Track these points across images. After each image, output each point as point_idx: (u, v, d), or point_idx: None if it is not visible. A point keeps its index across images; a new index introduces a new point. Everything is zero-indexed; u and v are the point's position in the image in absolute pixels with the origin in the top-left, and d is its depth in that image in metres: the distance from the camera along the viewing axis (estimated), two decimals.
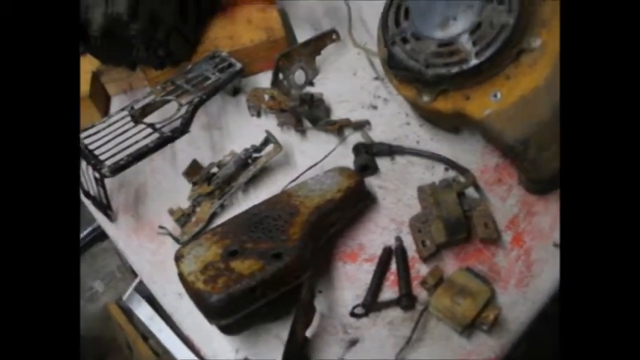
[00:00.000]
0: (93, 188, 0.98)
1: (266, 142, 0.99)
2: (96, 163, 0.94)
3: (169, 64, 1.11)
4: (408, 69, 0.91)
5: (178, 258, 0.84)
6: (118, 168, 0.93)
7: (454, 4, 0.88)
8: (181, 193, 1.00)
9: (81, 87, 1.13)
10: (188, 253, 0.84)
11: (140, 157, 0.94)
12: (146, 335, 1.49)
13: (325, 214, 0.88)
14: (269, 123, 1.06)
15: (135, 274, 1.54)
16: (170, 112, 1.01)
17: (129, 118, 1.01)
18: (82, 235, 1.54)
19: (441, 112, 0.92)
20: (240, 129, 1.08)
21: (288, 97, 1.04)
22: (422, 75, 0.89)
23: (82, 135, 0.98)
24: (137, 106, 1.03)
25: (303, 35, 1.18)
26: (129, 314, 1.51)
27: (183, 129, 0.97)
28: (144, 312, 1.36)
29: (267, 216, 0.88)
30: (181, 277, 0.82)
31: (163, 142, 0.96)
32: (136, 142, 0.95)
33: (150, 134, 0.97)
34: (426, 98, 0.92)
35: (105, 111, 1.17)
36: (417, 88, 0.93)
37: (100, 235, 1.54)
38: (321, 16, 1.21)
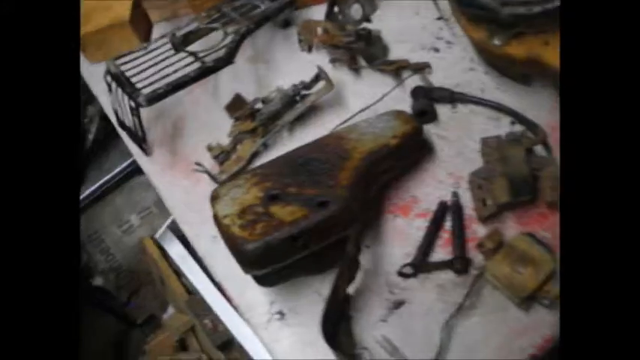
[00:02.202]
0: (128, 118, 0.92)
1: (317, 78, 0.91)
2: (132, 91, 0.87)
3: None
4: (481, 6, 0.81)
5: (214, 198, 0.78)
6: (155, 97, 0.86)
7: None
8: (221, 129, 0.93)
9: (121, 12, 1.06)
10: (225, 194, 0.78)
11: (179, 86, 0.88)
12: (179, 272, 1.46)
13: (378, 161, 0.80)
14: (320, 59, 0.97)
15: None
16: (214, 41, 0.94)
17: (170, 46, 0.94)
18: (120, 168, 1.51)
19: (513, 58, 0.82)
20: (288, 64, 1.00)
21: (343, 31, 0.94)
22: (497, 14, 0.79)
23: (119, 61, 0.92)
24: (179, 33, 0.96)
25: None
26: (163, 250, 1.47)
27: (227, 59, 0.89)
28: (176, 251, 1.31)
29: (314, 159, 0.80)
30: (216, 219, 0.76)
31: (205, 72, 0.89)
32: (176, 70, 0.88)
33: (191, 63, 0.90)
34: (497, 41, 0.82)
35: (146, 39, 1.09)
36: (489, 29, 0.83)
37: (139, 169, 1.49)
38: None
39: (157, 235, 1.33)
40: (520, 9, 0.78)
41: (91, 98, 1.49)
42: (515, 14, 0.78)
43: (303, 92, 0.91)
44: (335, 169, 0.78)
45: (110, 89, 0.92)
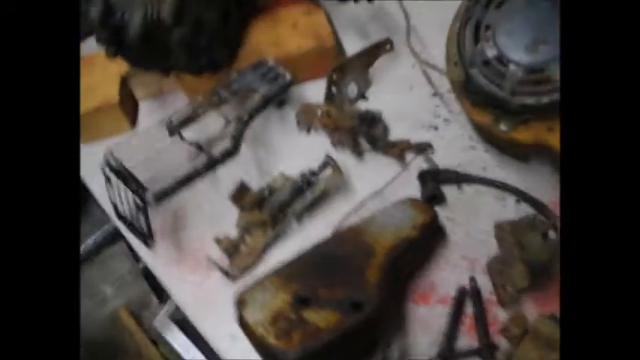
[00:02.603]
0: (130, 213, 0.89)
1: (324, 165, 0.90)
2: (137, 189, 0.84)
3: (208, 70, 1.00)
4: (489, 95, 0.83)
5: (241, 303, 0.76)
6: (164, 195, 0.84)
7: (545, 25, 0.81)
8: (226, 218, 0.91)
9: (108, 93, 1.04)
10: (252, 298, 0.76)
11: (187, 181, 0.85)
12: (156, 340, 1.42)
13: (402, 255, 0.80)
14: (320, 140, 0.98)
15: (147, 280, 1.46)
16: (211, 126, 0.92)
17: (168, 135, 0.91)
18: (91, 239, 1.45)
19: (519, 142, 0.85)
20: (288, 146, 0.99)
21: (342, 112, 0.95)
22: (506, 103, 0.82)
23: (117, 152, 0.88)
24: (176, 120, 0.93)
25: (348, 41, 1.08)
26: (139, 319, 1.43)
27: (233, 150, 0.88)
28: (177, 339, 1.26)
29: (336, 256, 0.80)
30: (246, 326, 0.74)
31: (213, 164, 0.87)
32: (182, 164, 0.86)
33: (196, 155, 0.88)
34: (504, 127, 0.84)
35: (133, 117, 1.07)
36: (495, 114, 0.85)
37: (110, 239, 1.45)
38: (367, 21, 1.11)
39: (155, 323, 1.28)
40: (529, 99, 0.80)
41: None
42: (525, 104, 0.80)
43: (312, 180, 0.90)
44: (361, 267, 0.78)
45: (109, 182, 0.89)
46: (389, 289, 0.77)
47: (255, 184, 0.93)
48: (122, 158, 0.87)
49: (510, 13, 0.85)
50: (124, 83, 1.05)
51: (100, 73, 1.06)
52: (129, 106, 1.06)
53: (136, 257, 1.47)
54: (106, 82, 1.05)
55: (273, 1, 1.07)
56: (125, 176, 0.86)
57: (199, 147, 0.88)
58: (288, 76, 0.96)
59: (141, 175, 0.85)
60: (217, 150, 0.88)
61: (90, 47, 1.15)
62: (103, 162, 0.88)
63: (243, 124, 0.90)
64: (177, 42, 0.92)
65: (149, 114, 1.08)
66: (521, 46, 0.82)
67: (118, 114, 1.03)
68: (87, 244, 1.44)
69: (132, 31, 0.90)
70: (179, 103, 1.06)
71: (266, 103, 0.94)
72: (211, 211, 0.94)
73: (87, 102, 1.03)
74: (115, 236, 1.44)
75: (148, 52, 0.94)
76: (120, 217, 0.92)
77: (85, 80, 1.06)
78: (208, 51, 0.97)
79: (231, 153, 0.87)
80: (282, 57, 0.99)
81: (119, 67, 1.03)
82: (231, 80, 0.96)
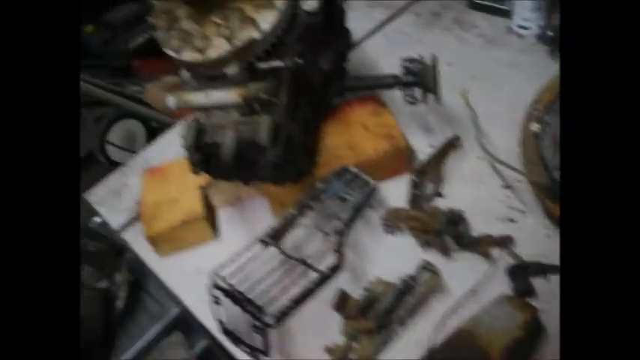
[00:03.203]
0: (240, 330, 0.92)
1: (421, 269, 0.95)
2: (256, 311, 0.87)
3: (293, 180, 1.05)
4: None
5: None
6: (283, 316, 0.87)
7: None
8: (328, 326, 0.95)
9: (191, 206, 1.07)
10: None
11: (303, 300, 0.89)
12: None
13: (514, 355, 0.85)
14: (407, 242, 1.03)
15: None
16: (305, 237, 0.97)
17: (270, 252, 0.95)
18: (152, 332, 1.46)
19: None
20: (376, 249, 1.04)
21: (428, 215, 1.00)
22: None
23: (224, 273, 0.92)
24: (273, 235, 0.97)
25: (412, 136, 1.14)
26: None
27: (339, 264, 0.92)
28: None
29: None
30: None
31: (323, 280, 0.91)
32: (293, 282, 0.90)
33: (305, 272, 0.92)
34: None
35: (215, 227, 1.10)
36: None
37: (167, 331, 1.46)
38: (426, 114, 1.18)
39: None
40: None
41: (119, 265, 1.45)
42: None
43: (412, 284, 0.95)
44: None
45: (217, 302, 0.92)
46: None
47: (349, 288, 0.97)
48: (233, 281, 0.91)
49: None
50: (205, 194, 1.08)
51: (177, 185, 1.10)
52: (211, 216, 1.09)
53: (190, 345, 1.50)
54: (186, 193, 1.09)
55: (339, 102, 1.13)
56: (239, 299, 0.89)
57: (305, 263, 0.92)
58: (372, 183, 1.01)
59: (255, 297, 0.89)
60: (323, 265, 0.92)
61: (153, 159, 1.19)
62: (210, 284, 0.92)
63: (342, 235, 0.95)
64: (271, 161, 0.96)
65: (229, 222, 1.12)
66: None
67: (203, 225, 1.07)
68: (147, 339, 1.45)
69: (225, 153, 0.94)
70: (258, 210, 1.11)
71: (358, 212, 0.99)
72: (313, 320, 0.97)
73: (170, 215, 1.07)
74: (172, 328, 1.46)
75: (236, 168, 0.98)
76: (227, 332, 0.95)
77: (163, 192, 1.10)
78: (294, 163, 1.01)
79: (338, 267, 0.92)
80: (360, 162, 1.05)
81: (199, 179, 1.06)
82: (318, 190, 1.01)
